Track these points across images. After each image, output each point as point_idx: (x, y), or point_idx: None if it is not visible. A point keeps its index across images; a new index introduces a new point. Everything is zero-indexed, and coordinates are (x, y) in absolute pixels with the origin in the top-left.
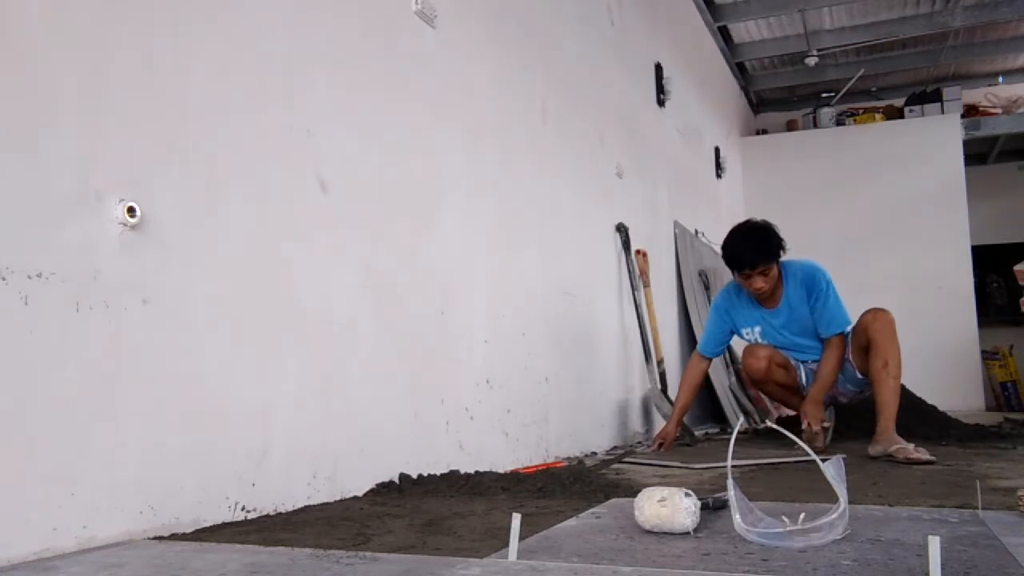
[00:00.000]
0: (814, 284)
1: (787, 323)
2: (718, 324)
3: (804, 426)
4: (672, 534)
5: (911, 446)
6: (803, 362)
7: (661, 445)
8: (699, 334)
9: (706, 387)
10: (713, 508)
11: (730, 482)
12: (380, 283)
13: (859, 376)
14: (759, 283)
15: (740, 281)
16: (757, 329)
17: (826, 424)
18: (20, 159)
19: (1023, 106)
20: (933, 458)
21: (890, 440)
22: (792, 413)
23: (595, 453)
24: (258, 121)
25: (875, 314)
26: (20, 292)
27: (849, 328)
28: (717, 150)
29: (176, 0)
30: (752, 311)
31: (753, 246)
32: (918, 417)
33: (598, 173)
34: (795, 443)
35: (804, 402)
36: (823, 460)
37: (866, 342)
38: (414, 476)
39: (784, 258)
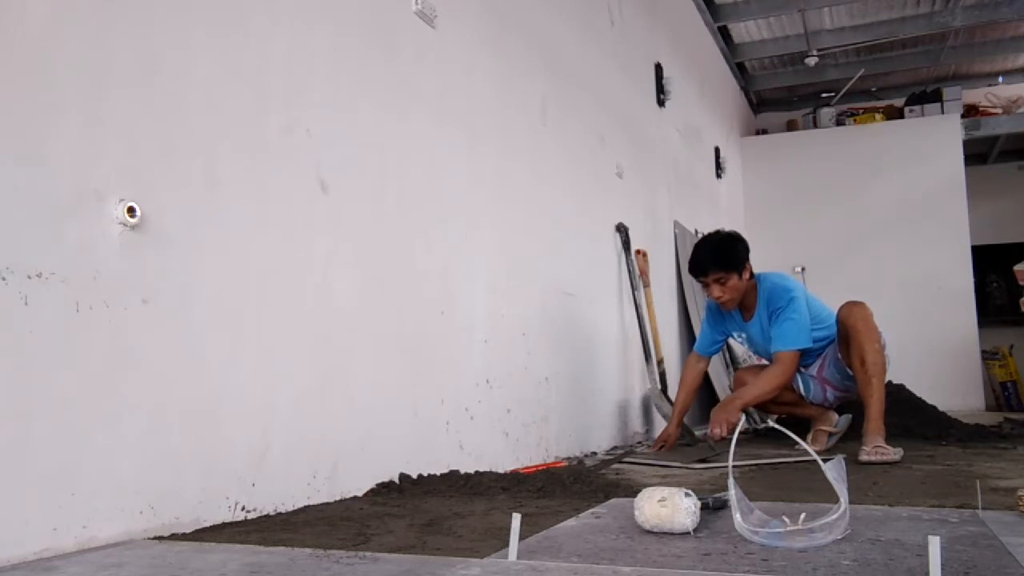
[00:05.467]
0: (775, 301)
1: (760, 335)
2: (711, 324)
3: (711, 430)
4: (672, 534)
5: (882, 448)
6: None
7: (662, 448)
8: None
9: (706, 387)
10: (713, 508)
11: (731, 481)
12: (380, 283)
13: (848, 371)
14: (716, 291)
15: (703, 289)
16: (744, 335)
17: (834, 429)
18: (20, 159)
19: (1023, 106)
20: (896, 458)
21: (872, 441)
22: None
23: (595, 453)
24: (258, 121)
25: (850, 308)
26: (20, 292)
27: (801, 347)
28: (717, 150)
29: (176, 0)
30: (734, 319)
31: (708, 254)
32: (918, 417)
33: (598, 173)
34: (796, 443)
35: (718, 405)
36: (824, 461)
37: (846, 336)
38: (414, 476)
39: (765, 272)
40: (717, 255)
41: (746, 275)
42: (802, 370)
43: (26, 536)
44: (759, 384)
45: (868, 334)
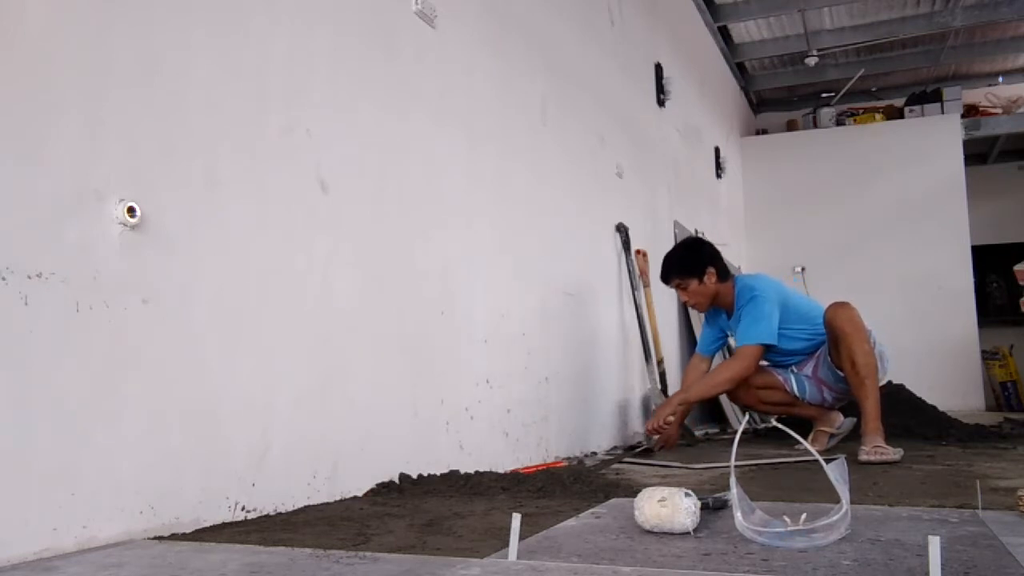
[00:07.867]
0: (739, 300)
1: None
2: (708, 323)
3: (647, 425)
4: (672, 534)
5: (881, 448)
6: (786, 367)
7: (663, 448)
8: (699, 334)
9: None
10: (713, 508)
11: (733, 480)
12: (380, 283)
13: (840, 372)
14: (683, 296)
15: None
16: (734, 334)
17: (836, 431)
18: (20, 159)
19: (1023, 106)
20: (896, 458)
21: (871, 442)
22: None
23: (595, 453)
24: (258, 121)
25: (835, 310)
26: (20, 292)
27: (762, 342)
28: (717, 150)
29: (176, 0)
30: (723, 318)
31: (669, 261)
32: (918, 417)
33: (598, 173)
34: (797, 442)
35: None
36: (827, 461)
37: (834, 339)
38: (414, 476)
39: (745, 274)
40: (676, 263)
41: (709, 279)
42: (795, 370)
43: (26, 536)
44: (709, 380)
45: (856, 335)
